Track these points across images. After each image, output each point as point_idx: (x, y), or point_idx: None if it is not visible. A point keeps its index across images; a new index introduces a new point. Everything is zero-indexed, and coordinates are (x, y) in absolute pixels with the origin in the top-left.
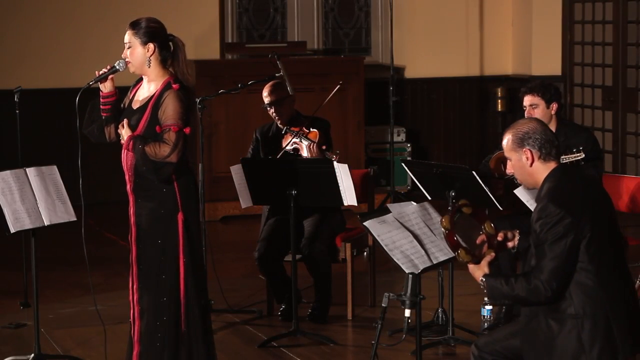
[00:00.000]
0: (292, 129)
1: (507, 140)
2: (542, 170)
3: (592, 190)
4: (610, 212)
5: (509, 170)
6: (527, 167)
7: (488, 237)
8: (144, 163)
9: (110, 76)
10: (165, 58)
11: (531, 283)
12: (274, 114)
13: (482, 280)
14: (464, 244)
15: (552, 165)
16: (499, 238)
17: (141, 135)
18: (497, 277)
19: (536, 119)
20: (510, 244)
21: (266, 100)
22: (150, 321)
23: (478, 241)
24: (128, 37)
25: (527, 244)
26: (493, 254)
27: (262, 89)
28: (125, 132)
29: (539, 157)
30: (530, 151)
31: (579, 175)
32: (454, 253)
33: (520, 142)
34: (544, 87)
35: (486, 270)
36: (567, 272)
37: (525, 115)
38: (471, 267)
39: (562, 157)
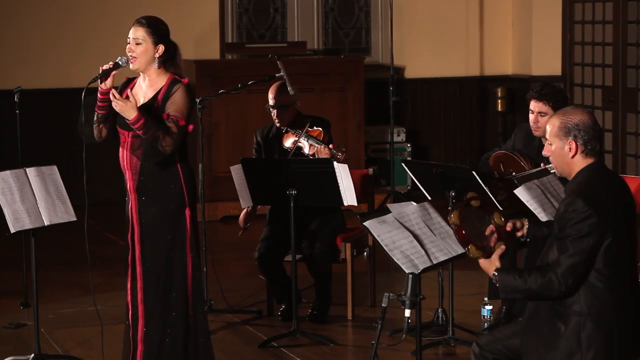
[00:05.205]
0: (298, 130)
1: (554, 125)
2: (580, 163)
3: (623, 194)
4: (634, 218)
5: (546, 153)
6: (567, 157)
7: (497, 228)
8: (152, 146)
9: (112, 72)
10: (167, 59)
11: (546, 276)
12: (275, 116)
13: (494, 274)
14: (473, 239)
15: (590, 160)
16: (508, 228)
17: (151, 119)
18: (509, 271)
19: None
20: (519, 233)
21: (271, 102)
22: (159, 319)
23: (487, 232)
24: (141, 33)
25: (538, 232)
26: (503, 247)
27: (263, 89)
28: (129, 110)
29: (582, 152)
30: (576, 143)
31: (613, 176)
32: (464, 249)
33: (567, 132)
34: (555, 95)
35: (497, 264)
36: (584, 271)
37: (531, 120)
38: (482, 261)
39: None
